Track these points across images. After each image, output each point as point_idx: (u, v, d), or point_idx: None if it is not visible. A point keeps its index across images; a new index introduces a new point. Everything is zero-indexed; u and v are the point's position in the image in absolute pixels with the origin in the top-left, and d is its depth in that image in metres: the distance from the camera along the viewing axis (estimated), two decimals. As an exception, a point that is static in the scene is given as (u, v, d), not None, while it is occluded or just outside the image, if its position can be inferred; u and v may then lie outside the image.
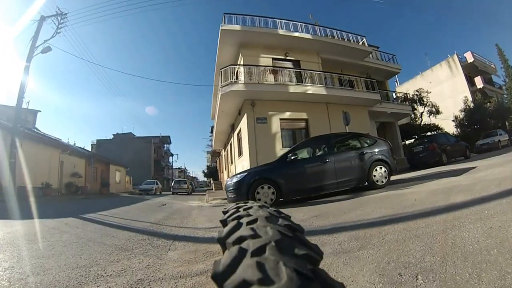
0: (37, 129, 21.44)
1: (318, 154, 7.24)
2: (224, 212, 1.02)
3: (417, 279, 1.60)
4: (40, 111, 24.23)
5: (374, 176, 6.91)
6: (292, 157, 6.82)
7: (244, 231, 0.53)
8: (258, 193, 6.25)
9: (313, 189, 6.69)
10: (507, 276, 1.46)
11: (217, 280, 0.38)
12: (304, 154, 7.32)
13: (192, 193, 26.64)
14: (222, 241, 0.58)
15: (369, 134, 8.44)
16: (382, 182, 6.92)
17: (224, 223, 0.65)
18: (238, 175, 6.90)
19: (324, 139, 7.81)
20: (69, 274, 2.29)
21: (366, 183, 6.98)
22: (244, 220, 0.58)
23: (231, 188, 6.69)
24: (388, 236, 2.56)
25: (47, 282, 2.10)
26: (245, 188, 6.35)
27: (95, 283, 2.07)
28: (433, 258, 1.87)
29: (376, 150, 7.24)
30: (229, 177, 8.59)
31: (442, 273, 1.63)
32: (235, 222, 0.59)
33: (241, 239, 0.46)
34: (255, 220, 0.55)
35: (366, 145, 7.36)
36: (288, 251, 0.40)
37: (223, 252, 0.54)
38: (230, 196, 6.82)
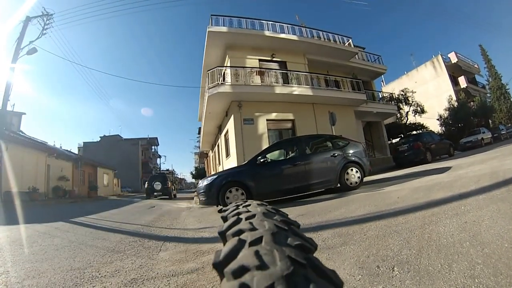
0: (22, 132, 21.07)
1: (290, 156, 7.22)
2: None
3: (393, 270, 1.72)
4: (25, 114, 23.80)
5: (347, 179, 6.90)
6: (262, 160, 6.79)
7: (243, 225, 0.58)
8: (228, 198, 6.25)
9: (284, 192, 6.68)
10: (477, 267, 1.58)
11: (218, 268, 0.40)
12: (275, 156, 7.30)
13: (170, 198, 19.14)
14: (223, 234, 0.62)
15: (342, 135, 8.40)
16: (356, 183, 6.91)
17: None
18: (209, 178, 6.87)
19: (295, 141, 7.84)
20: (64, 276, 2.34)
21: (339, 185, 6.94)
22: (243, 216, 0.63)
23: (202, 191, 6.67)
24: (369, 232, 2.67)
25: (43, 285, 2.16)
26: (215, 190, 6.34)
27: (91, 283, 2.14)
28: (409, 251, 1.99)
29: (350, 151, 7.23)
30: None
31: (416, 265, 1.75)
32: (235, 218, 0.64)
33: (240, 232, 0.48)
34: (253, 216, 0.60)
35: (338, 147, 7.34)
36: (283, 241, 0.42)
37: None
38: (201, 198, 6.81)
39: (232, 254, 0.40)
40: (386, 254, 2.02)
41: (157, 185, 19.16)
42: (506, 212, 2.52)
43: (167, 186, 19.22)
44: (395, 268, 1.74)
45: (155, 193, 19.02)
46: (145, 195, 20.77)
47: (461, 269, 1.59)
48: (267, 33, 15.05)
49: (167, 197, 18.83)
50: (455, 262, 1.69)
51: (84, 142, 51.93)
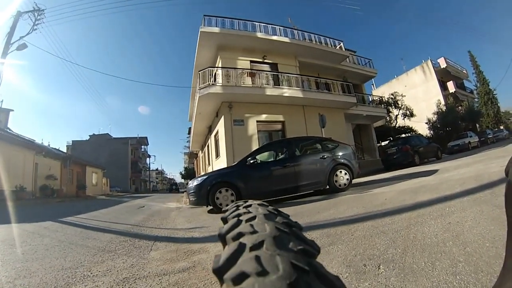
0: (9, 129, 20.67)
1: (280, 158, 7.25)
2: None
3: (379, 268, 1.77)
4: (12, 110, 23.35)
5: (336, 180, 6.96)
6: (252, 161, 6.81)
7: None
8: (217, 198, 6.26)
9: (273, 192, 6.71)
10: (459, 264, 1.63)
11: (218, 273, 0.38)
12: (265, 157, 7.33)
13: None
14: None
15: (331, 138, 8.48)
16: (345, 185, 6.99)
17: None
18: (199, 178, 6.87)
19: (285, 143, 7.87)
20: (55, 275, 2.32)
21: (328, 187, 7.00)
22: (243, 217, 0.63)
23: (192, 191, 6.67)
24: (357, 232, 2.71)
25: (35, 284, 2.14)
26: (205, 191, 6.33)
27: (83, 283, 2.12)
28: (395, 251, 2.04)
29: (339, 154, 7.29)
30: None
31: (401, 263, 1.79)
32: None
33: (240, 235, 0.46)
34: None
35: (327, 149, 7.39)
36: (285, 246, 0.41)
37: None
38: (191, 199, 6.80)
39: (232, 259, 0.38)
40: (372, 253, 2.06)
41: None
42: (489, 213, 2.58)
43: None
44: (381, 266, 1.79)
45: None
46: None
47: (443, 266, 1.64)
48: (259, 34, 15.06)
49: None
50: (438, 260, 1.74)
51: (73, 141, 51.18)
